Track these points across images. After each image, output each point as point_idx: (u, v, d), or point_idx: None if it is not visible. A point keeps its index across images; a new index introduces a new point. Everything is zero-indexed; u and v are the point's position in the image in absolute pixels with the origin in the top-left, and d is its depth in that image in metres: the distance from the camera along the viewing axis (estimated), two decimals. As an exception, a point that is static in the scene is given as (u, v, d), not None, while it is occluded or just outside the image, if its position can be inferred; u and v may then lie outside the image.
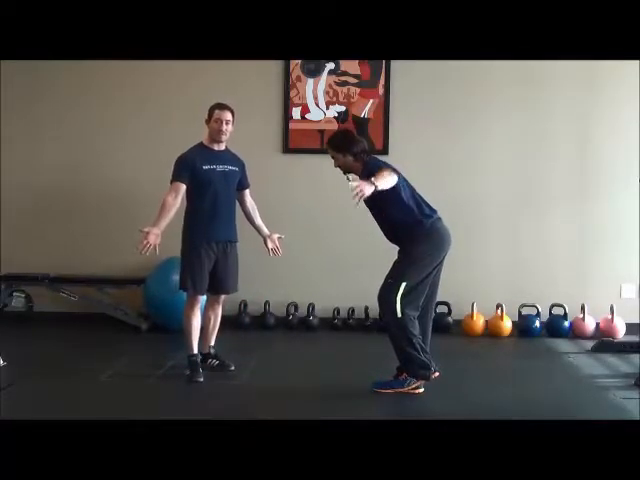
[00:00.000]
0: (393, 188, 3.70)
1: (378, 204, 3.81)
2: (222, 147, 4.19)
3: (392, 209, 3.82)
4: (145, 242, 3.93)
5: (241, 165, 4.27)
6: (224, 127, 4.09)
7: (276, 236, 4.35)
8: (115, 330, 5.36)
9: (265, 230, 4.37)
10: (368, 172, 3.70)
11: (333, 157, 3.97)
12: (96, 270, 5.63)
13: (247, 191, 4.35)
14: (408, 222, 3.81)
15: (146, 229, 3.94)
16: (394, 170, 3.78)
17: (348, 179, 3.87)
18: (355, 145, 3.93)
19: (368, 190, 3.47)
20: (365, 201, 3.72)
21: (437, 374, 3.83)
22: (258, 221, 4.38)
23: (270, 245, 4.33)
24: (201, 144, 4.19)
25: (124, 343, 5.07)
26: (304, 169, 5.61)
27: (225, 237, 4.17)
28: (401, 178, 3.84)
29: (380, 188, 3.52)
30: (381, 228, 3.96)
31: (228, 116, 4.10)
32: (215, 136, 4.12)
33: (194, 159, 4.09)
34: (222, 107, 4.12)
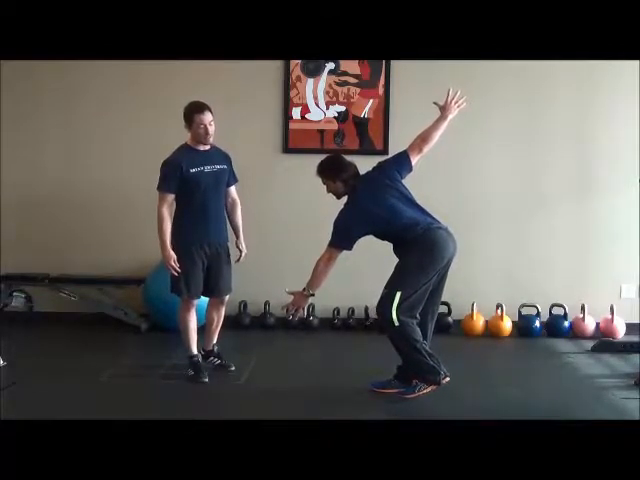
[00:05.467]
0: (398, 197, 3.83)
1: (386, 210, 3.84)
2: (207, 146, 4.10)
3: (381, 231, 3.86)
4: (173, 269, 4.03)
5: (229, 162, 4.20)
6: (210, 130, 4.00)
7: (243, 251, 4.31)
8: (115, 330, 5.35)
9: (241, 234, 4.31)
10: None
11: (324, 184, 3.98)
12: (96, 270, 5.62)
13: (233, 187, 4.28)
14: (398, 235, 3.83)
15: (171, 262, 4.00)
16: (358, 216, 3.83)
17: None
18: (343, 172, 3.91)
19: (304, 303, 3.89)
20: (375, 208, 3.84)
21: (447, 379, 3.79)
22: (238, 220, 4.31)
23: (238, 252, 4.30)
24: (186, 145, 4.09)
25: (124, 343, 5.08)
26: (304, 169, 5.57)
27: (216, 238, 4.13)
28: (388, 196, 3.84)
29: (315, 291, 3.83)
30: (381, 238, 3.97)
31: (209, 117, 3.98)
32: (203, 140, 4.03)
33: (180, 163, 4.00)
34: (200, 110, 3.97)
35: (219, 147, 4.21)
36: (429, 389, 3.79)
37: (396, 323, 3.70)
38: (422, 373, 3.77)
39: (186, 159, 4.02)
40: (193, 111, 3.99)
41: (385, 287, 3.80)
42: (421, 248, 3.76)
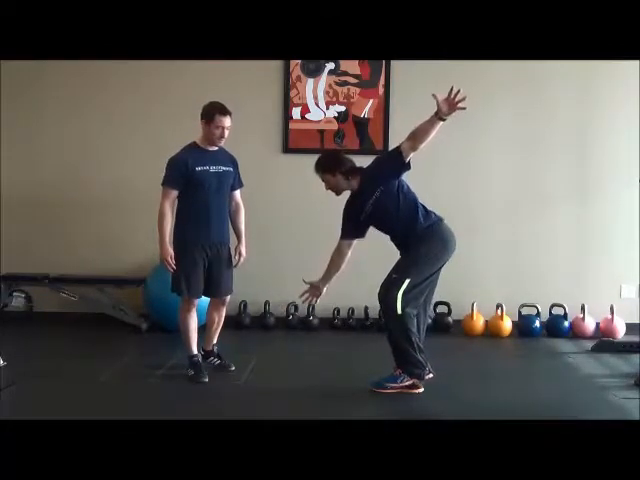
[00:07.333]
0: (405, 191, 3.82)
1: (391, 205, 3.80)
2: (215, 147, 4.12)
3: (401, 210, 3.81)
4: (169, 265, 4.04)
5: (235, 165, 4.21)
6: (225, 133, 4.03)
7: (243, 252, 4.27)
8: (115, 330, 5.35)
9: (242, 239, 4.30)
10: (382, 161, 3.86)
11: (323, 180, 3.96)
12: (96, 270, 5.63)
13: (237, 191, 4.28)
14: (413, 223, 3.82)
15: (168, 258, 4.01)
16: None
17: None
18: (343, 164, 3.91)
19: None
20: (378, 203, 3.80)
21: (431, 375, 3.83)
22: (240, 225, 4.30)
23: (237, 256, 4.26)
24: (194, 144, 4.10)
25: (124, 343, 5.07)
26: (304, 169, 5.57)
27: (218, 239, 4.13)
28: (404, 185, 3.86)
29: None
30: (386, 232, 3.95)
31: (229, 122, 4.01)
32: (216, 142, 4.05)
33: (186, 161, 4.02)
34: (224, 112, 3.99)
35: (227, 151, 4.22)
36: (411, 382, 3.82)
37: (399, 311, 3.70)
38: (408, 365, 3.80)
39: (192, 157, 4.04)
40: (216, 111, 3.99)
41: (393, 272, 3.79)
42: (433, 240, 3.80)
